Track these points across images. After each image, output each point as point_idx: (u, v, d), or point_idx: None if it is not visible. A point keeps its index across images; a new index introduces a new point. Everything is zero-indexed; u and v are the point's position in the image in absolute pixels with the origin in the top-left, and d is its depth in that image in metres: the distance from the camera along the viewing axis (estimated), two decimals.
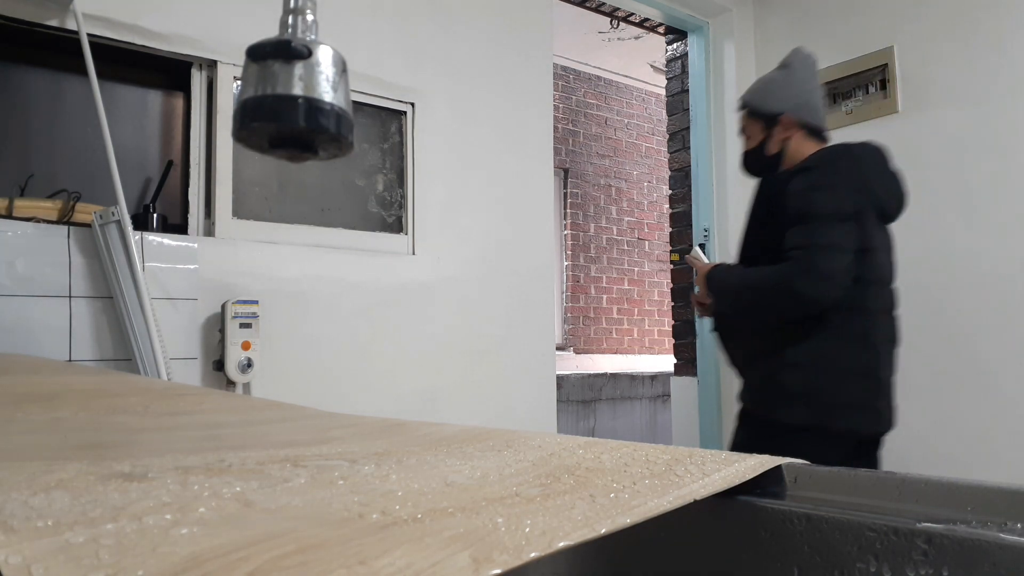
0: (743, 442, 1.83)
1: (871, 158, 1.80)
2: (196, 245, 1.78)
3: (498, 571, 0.24)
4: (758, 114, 1.88)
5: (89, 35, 1.64)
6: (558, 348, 4.99)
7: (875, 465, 1.88)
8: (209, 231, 1.86)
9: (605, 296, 5.90)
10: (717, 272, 1.91)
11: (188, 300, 1.75)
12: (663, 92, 3.67)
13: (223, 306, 1.76)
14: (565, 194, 5.80)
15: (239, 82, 0.69)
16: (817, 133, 1.87)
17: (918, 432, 2.54)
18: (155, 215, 1.78)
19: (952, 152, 2.51)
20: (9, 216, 1.58)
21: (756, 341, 1.80)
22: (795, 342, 1.71)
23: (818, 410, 1.67)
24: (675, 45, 3.40)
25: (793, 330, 1.72)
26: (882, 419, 1.79)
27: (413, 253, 2.17)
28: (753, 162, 1.93)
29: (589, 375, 4.38)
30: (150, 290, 1.64)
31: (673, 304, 3.26)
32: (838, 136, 2.83)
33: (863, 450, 1.81)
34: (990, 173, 2.42)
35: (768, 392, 1.74)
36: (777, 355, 1.72)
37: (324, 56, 0.69)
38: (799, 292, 1.62)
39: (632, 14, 3.89)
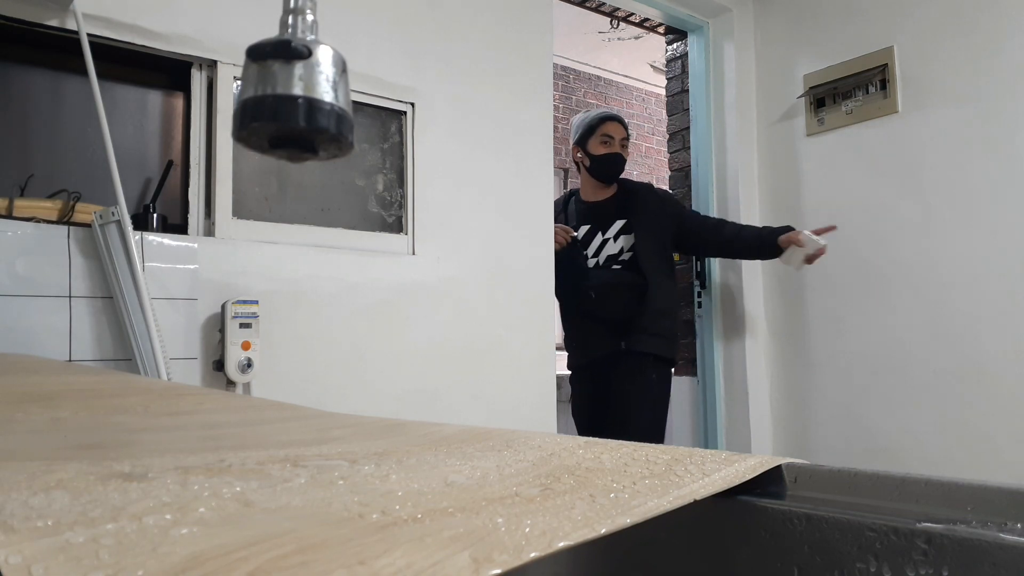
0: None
1: None
2: (196, 245, 1.78)
3: (498, 571, 0.24)
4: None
5: (89, 35, 1.64)
6: (558, 348, 4.98)
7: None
8: (209, 231, 1.86)
9: None
10: None
11: (188, 300, 1.75)
12: (663, 92, 3.67)
13: (223, 306, 1.76)
14: None
15: (239, 82, 0.69)
16: None
17: (918, 432, 2.54)
18: (155, 215, 1.78)
19: (952, 152, 2.51)
20: (9, 216, 1.58)
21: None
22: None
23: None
24: (675, 45, 3.40)
25: None
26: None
27: (413, 253, 2.17)
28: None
29: None
30: (150, 290, 1.64)
31: None
32: (838, 135, 2.84)
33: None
34: (990, 173, 2.42)
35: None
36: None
37: (324, 56, 0.69)
38: None
39: (632, 14, 3.89)
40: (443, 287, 2.20)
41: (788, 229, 2.47)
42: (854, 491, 0.39)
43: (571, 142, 2.58)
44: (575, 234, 2.41)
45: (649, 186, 2.67)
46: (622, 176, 2.62)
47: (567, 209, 2.61)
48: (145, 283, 1.62)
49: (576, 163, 2.59)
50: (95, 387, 0.85)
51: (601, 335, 2.48)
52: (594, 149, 2.49)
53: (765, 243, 2.45)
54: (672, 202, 2.70)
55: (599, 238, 2.53)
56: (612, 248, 2.51)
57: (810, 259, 2.33)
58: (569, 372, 2.69)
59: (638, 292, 2.46)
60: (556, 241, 2.33)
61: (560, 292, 2.43)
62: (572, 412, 2.68)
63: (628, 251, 2.49)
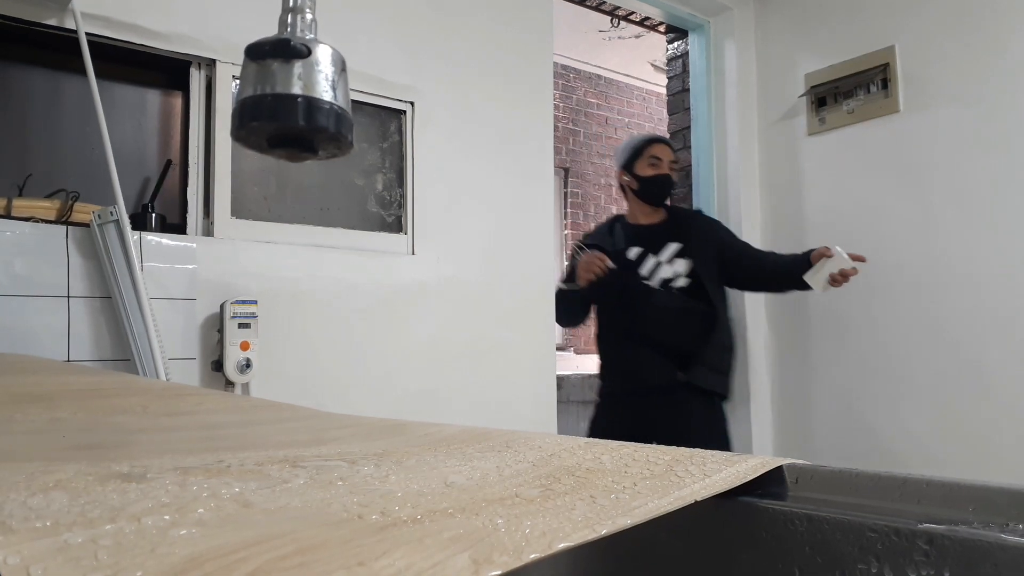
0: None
1: None
2: (195, 245, 1.78)
3: (498, 572, 0.24)
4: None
5: (87, 34, 1.64)
6: (558, 348, 4.98)
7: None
8: (208, 231, 1.86)
9: None
10: None
11: (187, 300, 1.74)
12: (664, 91, 3.67)
13: (222, 306, 1.75)
14: (565, 193, 5.80)
15: (238, 81, 0.69)
16: None
17: (919, 433, 2.54)
18: (153, 215, 1.78)
19: (953, 152, 2.51)
20: (7, 216, 1.58)
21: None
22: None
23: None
24: (676, 44, 3.40)
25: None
26: None
27: (413, 253, 2.17)
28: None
29: (590, 375, 4.37)
30: (149, 290, 1.64)
31: None
32: (840, 135, 2.84)
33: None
34: (991, 173, 2.42)
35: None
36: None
37: (323, 55, 0.69)
38: None
39: (632, 13, 3.89)
40: (443, 287, 2.20)
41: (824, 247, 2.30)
42: (855, 492, 0.39)
43: (617, 167, 2.52)
44: (611, 265, 2.25)
45: (700, 211, 2.60)
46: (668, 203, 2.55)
47: (612, 233, 2.51)
48: (144, 283, 1.62)
49: (623, 187, 2.52)
50: (94, 387, 0.84)
51: (657, 363, 2.31)
52: (642, 171, 2.42)
53: (799, 262, 2.26)
54: (722, 228, 2.58)
55: (652, 260, 2.40)
56: (666, 271, 2.37)
57: (835, 280, 2.15)
58: (598, 397, 2.54)
59: (703, 321, 2.33)
60: (591, 271, 2.22)
61: (607, 313, 2.34)
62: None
63: (685, 276, 2.36)
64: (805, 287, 2.21)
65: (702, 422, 2.29)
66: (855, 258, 2.16)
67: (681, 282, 2.36)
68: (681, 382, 2.27)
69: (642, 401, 2.32)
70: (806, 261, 2.23)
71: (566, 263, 2.46)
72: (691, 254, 2.38)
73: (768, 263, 2.40)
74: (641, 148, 2.45)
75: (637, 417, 2.30)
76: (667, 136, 2.59)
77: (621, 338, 2.37)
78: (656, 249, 2.41)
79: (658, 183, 2.42)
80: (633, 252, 2.42)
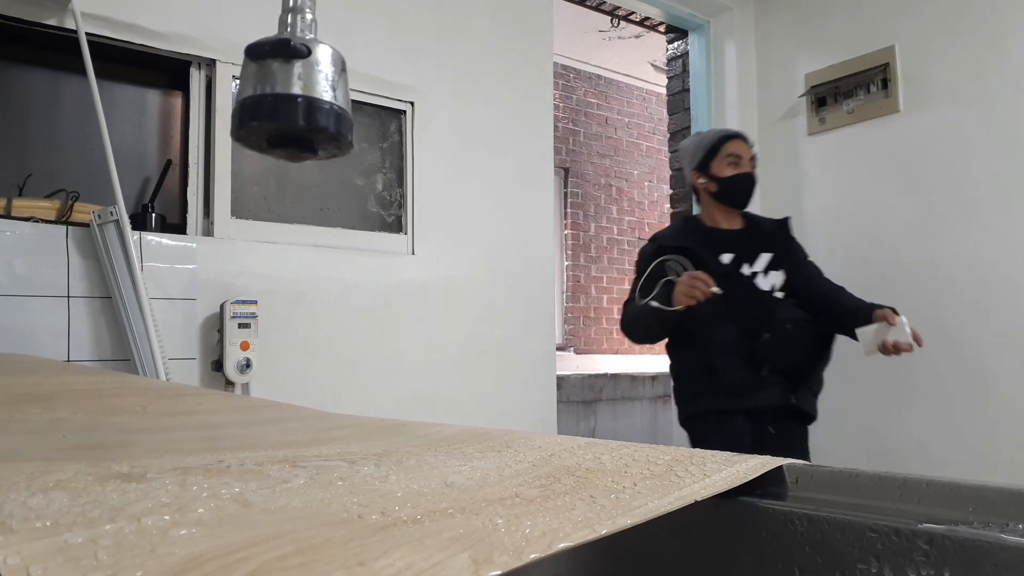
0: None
1: None
2: (195, 245, 1.78)
3: (498, 572, 0.24)
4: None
5: (87, 34, 1.64)
6: (558, 348, 4.99)
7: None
8: (208, 231, 1.86)
9: (606, 296, 5.90)
10: None
11: (187, 300, 1.74)
12: (664, 91, 3.68)
13: (222, 306, 1.75)
14: (565, 193, 5.80)
15: (238, 81, 0.69)
16: None
17: (919, 433, 2.54)
18: (153, 215, 1.78)
19: (953, 151, 2.51)
20: (7, 216, 1.58)
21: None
22: None
23: None
24: (676, 44, 3.40)
25: None
26: None
27: (413, 253, 2.17)
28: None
29: (590, 375, 4.38)
30: (148, 290, 1.64)
31: None
32: (840, 135, 2.84)
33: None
34: (991, 173, 2.42)
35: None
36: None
37: (323, 55, 0.69)
38: None
39: (632, 13, 3.89)
40: (443, 287, 2.20)
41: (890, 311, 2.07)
42: (855, 492, 0.39)
43: (687, 169, 2.25)
44: (717, 290, 1.92)
45: (788, 220, 2.32)
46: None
47: (688, 237, 2.19)
48: (143, 283, 1.62)
49: (696, 190, 2.25)
50: (94, 387, 0.84)
51: (772, 383, 2.04)
52: (720, 171, 2.16)
53: (860, 311, 2.06)
54: (798, 245, 2.32)
55: (747, 270, 2.14)
56: (763, 284, 2.13)
57: (887, 349, 1.96)
58: (692, 415, 2.14)
59: (820, 339, 2.10)
60: (693, 296, 1.91)
61: (706, 327, 2.04)
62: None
63: (779, 290, 2.14)
64: (853, 337, 2.04)
65: (803, 450, 2.12)
66: (916, 338, 1.96)
67: (777, 295, 2.14)
68: (792, 406, 2.06)
69: (755, 422, 2.07)
70: (867, 314, 2.03)
71: (636, 273, 2.16)
72: (785, 266, 2.15)
73: (833, 297, 2.17)
74: (716, 146, 2.19)
75: (757, 439, 2.05)
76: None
77: (731, 351, 2.06)
78: (750, 258, 2.15)
79: (740, 183, 2.18)
80: (724, 258, 2.14)
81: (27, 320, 1.55)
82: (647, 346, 6.54)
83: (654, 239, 2.23)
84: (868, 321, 2.00)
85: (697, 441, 2.13)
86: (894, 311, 1.97)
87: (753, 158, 2.22)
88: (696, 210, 2.34)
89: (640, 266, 2.15)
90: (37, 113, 1.76)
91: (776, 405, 2.05)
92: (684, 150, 2.29)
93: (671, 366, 2.22)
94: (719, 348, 2.06)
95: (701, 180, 2.21)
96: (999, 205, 2.39)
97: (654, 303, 1.98)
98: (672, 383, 2.26)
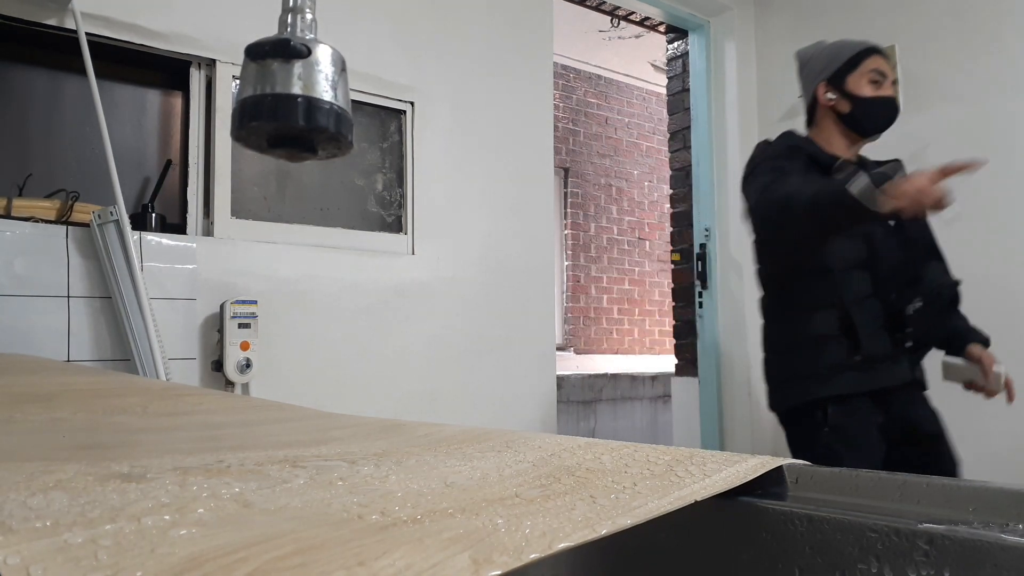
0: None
1: None
2: (195, 245, 1.78)
3: (498, 572, 0.24)
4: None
5: (88, 34, 1.64)
6: (558, 348, 4.99)
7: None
8: (208, 231, 1.86)
9: (606, 296, 5.90)
10: None
11: (187, 300, 1.74)
12: (664, 91, 3.67)
13: (222, 306, 1.75)
14: (565, 193, 5.80)
15: (238, 81, 0.69)
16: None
17: None
18: (153, 215, 1.78)
19: (953, 151, 2.49)
20: (7, 216, 1.58)
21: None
22: None
23: None
24: (676, 44, 3.40)
25: None
26: None
27: (413, 253, 2.17)
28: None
29: (589, 375, 4.38)
30: (148, 290, 1.64)
31: (674, 304, 3.25)
32: None
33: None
34: (990, 173, 2.41)
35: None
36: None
37: (323, 55, 0.69)
38: None
39: (632, 13, 3.89)
40: (443, 287, 2.20)
41: (986, 344, 1.82)
42: (855, 492, 0.39)
43: (810, 80, 1.87)
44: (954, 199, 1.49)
45: (900, 161, 1.88)
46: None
47: (799, 159, 1.77)
48: (144, 283, 1.62)
49: (819, 105, 1.84)
50: (94, 387, 0.84)
51: (904, 358, 1.72)
52: (859, 88, 1.77)
53: (956, 337, 1.79)
54: None
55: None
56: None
57: (969, 385, 1.79)
58: (803, 402, 1.70)
59: (951, 305, 1.79)
60: (922, 202, 1.46)
61: (855, 274, 1.66)
62: (843, 447, 1.63)
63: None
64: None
65: (937, 419, 1.81)
66: (1009, 391, 1.77)
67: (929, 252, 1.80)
68: (915, 381, 1.77)
69: (880, 405, 1.71)
70: (962, 344, 1.79)
71: (771, 164, 1.79)
72: (911, 220, 1.68)
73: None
74: (858, 59, 1.78)
75: (877, 415, 1.71)
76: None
77: (869, 316, 1.66)
78: None
79: (881, 107, 1.80)
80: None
81: (27, 320, 1.55)
82: (651, 346, 6.43)
83: (768, 145, 1.86)
84: (961, 352, 1.76)
85: (834, 437, 1.65)
86: (987, 344, 1.73)
87: (896, 82, 1.85)
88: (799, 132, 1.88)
89: (781, 157, 1.77)
90: (37, 113, 1.76)
91: (906, 383, 1.73)
92: (810, 56, 1.91)
93: (775, 339, 1.78)
94: (861, 309, 1.66)
95: (830, 95, 1.80)
96: (999, 205, 2.39)
97: (858, 186, 1.46)
98: (773, 361, 1.78)
